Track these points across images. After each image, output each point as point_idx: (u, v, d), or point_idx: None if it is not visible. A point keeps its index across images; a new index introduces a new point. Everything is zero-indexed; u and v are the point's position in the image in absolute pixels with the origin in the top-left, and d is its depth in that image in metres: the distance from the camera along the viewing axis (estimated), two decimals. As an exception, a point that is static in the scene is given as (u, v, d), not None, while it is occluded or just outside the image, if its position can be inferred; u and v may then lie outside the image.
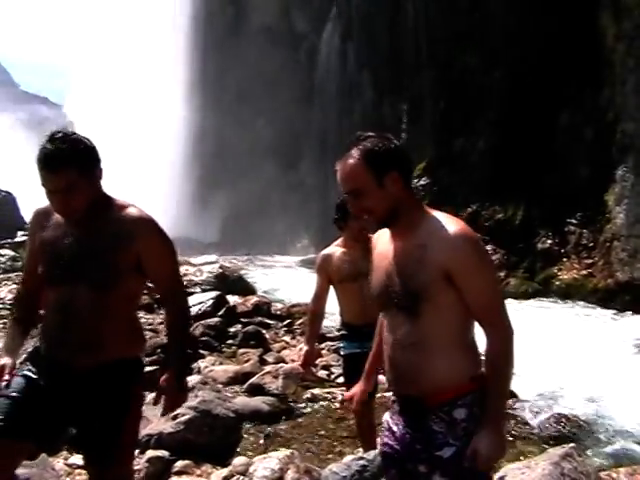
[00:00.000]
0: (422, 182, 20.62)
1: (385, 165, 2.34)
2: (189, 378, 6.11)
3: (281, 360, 8.42)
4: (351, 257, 4.54)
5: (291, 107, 32.23)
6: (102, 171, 2.83)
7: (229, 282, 13.31)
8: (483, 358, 2.41)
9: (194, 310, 10.25)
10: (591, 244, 15.50)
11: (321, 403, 6.88)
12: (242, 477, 4.67)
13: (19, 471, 2.94)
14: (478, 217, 17.96)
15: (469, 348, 2.43)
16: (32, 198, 2.88)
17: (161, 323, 9.96)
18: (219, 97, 35.75)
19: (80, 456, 3.43)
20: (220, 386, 6.81)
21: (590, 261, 15.35)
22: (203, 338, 9.10)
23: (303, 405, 6.86)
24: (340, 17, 30.96)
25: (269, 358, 8.51)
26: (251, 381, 7.20)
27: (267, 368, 7.67)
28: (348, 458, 4.88)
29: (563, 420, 6.76)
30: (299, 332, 10.28)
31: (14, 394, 2.76)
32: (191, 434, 5.10)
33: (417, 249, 2.34)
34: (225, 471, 4.77)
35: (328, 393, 7.10)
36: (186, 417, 5.17)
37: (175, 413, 5.19)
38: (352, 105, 29.33)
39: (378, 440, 3.35)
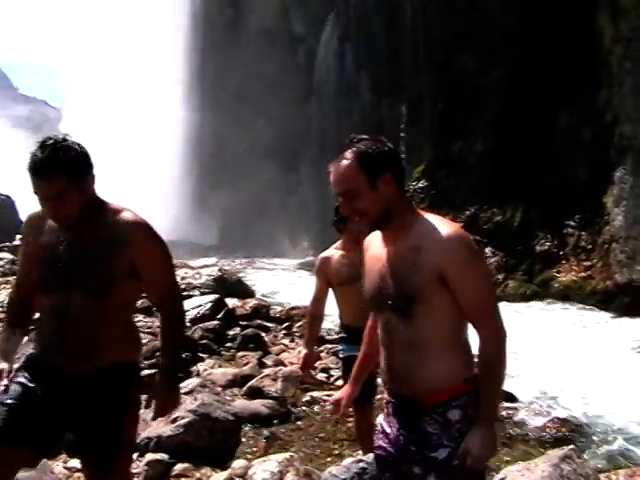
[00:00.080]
0: (420, 184, 20.63)
1: (378, 167, 2.36)
2: (188, 381, 6.14)
3: (280, 363, 8.41)
4: (350, 260, 4.54)
5: (290, 108, 32.24)
6: (94, 177, 2.81)
7: (228, 285, 13.30)
8: (476, 360, 2.42)
9: (193, 313, 10.26)
10: (590, 246, 15.50)
11: (320, 406, 6.87)
12: (241, 480, 4.67)
13: (19, 475, 2.93)
14: (477, 219, 17.97)
15: (463, 349, 2.44)
16: (31, 201, 2.86)
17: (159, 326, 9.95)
18: (218, 98, 35.79)
19: (79, 460, 3.42)
20: (219, 389, 6.82)
21: (589, 263, 15.36)
22: (202, 341, 9.09)
23: (302, 408, 6.85)
24: (338, 19, 31.00)
25: (268, 361, 8.51)
26: (250, 384, 7.19)
27: (266, 371, 7.67)
28: (347, 461, 4.88)
29: (562, 422, 6.76)
30: (298, 335, 10.28)
31: (10, 401, 2.75)
32: (190, 437, 5.10)
33: (411, 251, 2.35)
34: (224, 474, 4.77)
35: (327, 396, 7.09)
36: (185, 420, 5.17)
37: (174, 416, 5.19)
38: (350, 107, 29.36)
39: None
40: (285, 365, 8.21)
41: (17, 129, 70.61)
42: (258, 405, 6.56)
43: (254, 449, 5.66)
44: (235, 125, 34.58)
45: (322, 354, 8.69)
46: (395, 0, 25.46)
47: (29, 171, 2.67)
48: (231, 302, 11.35)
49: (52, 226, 2.81)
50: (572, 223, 16.00)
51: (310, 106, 32.27)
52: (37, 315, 2.96)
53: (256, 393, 6.99)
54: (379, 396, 5.19)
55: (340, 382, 6.84)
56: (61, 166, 2.64)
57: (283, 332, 10.66)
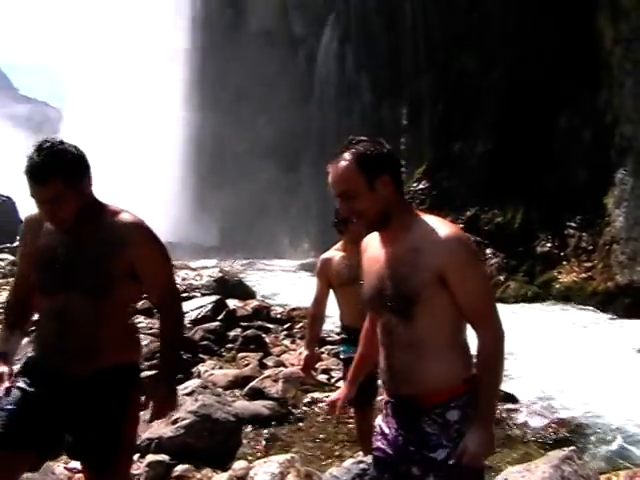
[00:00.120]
0: (421, 186, 20.64)
1: (376, 168, 2.37)
2: (189, 382, 6.12)
3: (281, 364, 8.41)
4: (351, 261, 4.53)
5: (290, 109, 32.23)
6: (91, 179, 2.81)
7: (229, 286, 13.30)
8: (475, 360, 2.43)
9: (194, 314, 10.26)
10: (590, 247, 15.50)
11: (321, 407, 6.87)
12: (242, 481, 4.67)
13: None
14: (477, 220, 17.97)
15: (462, 350, 2.46)
16: (31, 203, 2.86)
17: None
18: (218, 98, 35.78)
19: (79, 461, 3.42)
20: (220, 390, 6.80)
21: (590, 264, 15.36)
22: (203, 342, 9.08)
23: (303, 409, 6.85)
24: (338, 20, 31.01)
25: (269, 362, 8.51)
26: (251, 385, 7.19)
27: (267, 372, 7.67)
28: (348, 462, 4.89)
29: (563, 423, 6.77)
30: (299, 336, 10.28)
31: (10, 406, 2.75)
32: (191, 438, 5.10)
33: (410, 252, 2.36)
34: (225, 475, 4.77)
35: (328, 397, 7.09)
36: (186, 421, 5.17)
37: (175, 417, 5.20)
38: (351, 107, 29.35)
39: None
40: (286, 366, 8.21)
41: (17, 130, 70.61)
42: (259, 406, 6.56)
43: (255, 450, 5.67)
44: (235, 125, 34.58)
45: (323, 355, 8.69)
46: (395, 1, 25.45)
47: (26, 175, 2.67)
48: (232, 303, 11.35)
49: (50, 228, 2.81)
50: (573, 224, 16.00)
51: (310, 107, 32.26)
52: (36, 317, 2.96)
53: (257, 394, 6.99)
54: (380, 397, 5.20)
55: (341, 383, 6.85)
56: (58, 170, 2.65)
57: (284, 333, 10.66)
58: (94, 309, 2.74)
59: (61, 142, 2.73)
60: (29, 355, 2.94)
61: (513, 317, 12.34)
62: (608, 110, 15.49)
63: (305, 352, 4.82)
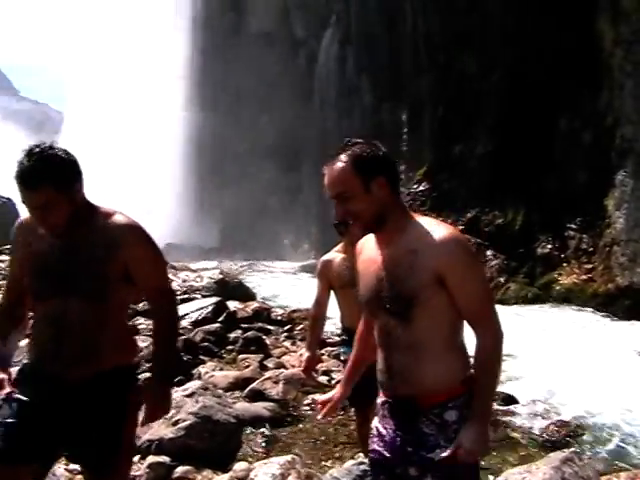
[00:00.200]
0: (422, 187, 20.64)
1: (372, 170, 2.38)
2: (189, 384, 6.13)
3: (281, 366, 8.41)
4: (351, 263, 4.52)
5: (290, 111, 32.26)
6: (83, 183, 2.79)
7: (229, 288, 13.31)
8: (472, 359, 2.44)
9: (194, 316, 10.28)
10: (591, 249, 15.49)
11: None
12: (243, 482, 4.67)
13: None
14: (478, 222, 17.97)
15: (460, 351, 2.47)
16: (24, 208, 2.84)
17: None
18: (219, 99, 35.80)
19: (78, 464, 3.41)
20: (221, 392, 6.80)
21: (590, 266, 15.35)
22: (203, 344, 9.09)
23: (304, 410, 6.85)
24: (339, 22, 31.03)
25: (269, 364, 8.51)
26: (251, 387, 7.20)
27: (267, 374, 7.67)
28: (349, 463, 4.90)
29: (563, 424, 6.77)
30: (299, 338, 10.28)
31: (10, 420, 2.73)
32: (192, 440, 5.11)
33: (407, 254, 2.36)
34: (226, 477, 4.77)
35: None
36: (187, 423, 5.17)
37: (176, 419, 5.21)
38: (351, 109, 29.36)
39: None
40: (286, 368, 8.21)
41: (18, 131, 70.69)
42: (259, 408, 6.56)
43: (255, 451, 5.67)
44: (236, 126, 34.60)
45: (323, 357, 8.69)
46: (395, 2, 25.47)
47: (16, 180, 2.65)
48: (232, 305, 11.37)
49: (42, 233, 2.79)
50: (573, 226, 15.99)
51: (311, 108, 32.27)
52: (30, 322, 2.94)
53: (257, 396, 7.00)
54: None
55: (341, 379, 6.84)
56: (48, 176, 2.62)
57: (284, 335, 10.66)
58: (91, 313, 2.73)
59: (51, 147, 2.69)
60: (25, 362, 2.91)
61: (513, 319, 12.34)
62: (608, 112, 15.48)
63: (306, 354, 4.82)
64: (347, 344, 4.76)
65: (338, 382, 7.16)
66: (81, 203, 2.78)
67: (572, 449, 4.69)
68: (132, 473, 4.65)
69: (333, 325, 6.89)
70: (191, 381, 6.77)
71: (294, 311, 12.06)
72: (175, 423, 5.17)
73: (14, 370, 2.97)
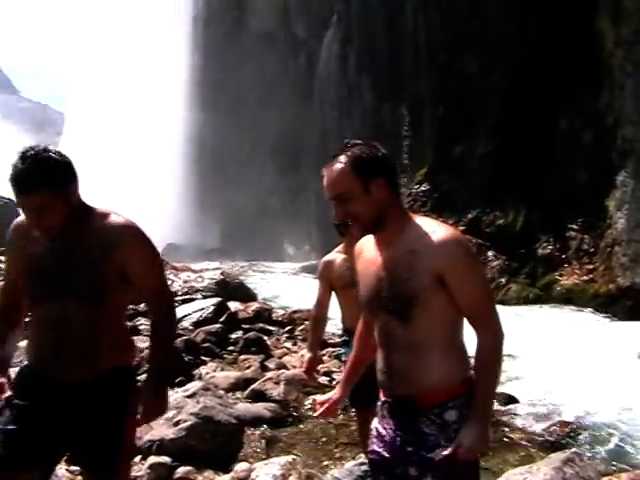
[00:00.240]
0: (423, 188, 20.63)
1: (371, 171, 2.38)
2: (190, 384, 6.14)
3: (282, 366, 8.41)
4: (352, 263, 4.53)
5: (291, 111, 32.27)
6: (78, 185, 2.77)
7: (230, 288, 13.32)
8: (473, 359, 2.45)
9: (195, 316, 10.29)
10: (592, 249, 15.48)
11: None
12: (244, 483, 4.68)
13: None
14: (479, 223, 17.97)
15: (460, 351, 2.48)
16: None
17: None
18: (219, 100, 35.80)
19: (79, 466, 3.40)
20: (222, 392, 6.81)
21: (591, 266, 15.34)
22: (204, 344, 9.10)
23: (305, 411, 6.85)
24: (340, 22, 31.04)
25: (270, 364, 8.51)
26: (252, 387, 7.20)
27: (268, 374, 7.67)
28: (350, 463, 4.91)
29: (564, 425, 6.77)
30: (300, 338, 10.28)
31: (10, 426, 2.72)
32: (193, 440, 5.11)
33: (408, 255, 2.37)
34: (227, 477, 4.78)
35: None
36: (188, 423, 5.18)
37: (177, 419, 5.21)
38: (352, 110, 29.37)
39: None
40: (287, 368, 8.22)
41: (19, 132, 70.71)
42: (260, 408, 6.57)
43: (256, 452, 5.67)
44: (236, 126, 34.61)
45: (324, 357, 8.69)
46: (396, 2, 25.48)
47: (10, 183, 2.63)
48: (233, 305, 11.37)
49: (38, 235, 2.77)
50: (574, 226, 15.98)
51: (311, 108, 32.29)
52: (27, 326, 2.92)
53: (258, 396, 7.00)
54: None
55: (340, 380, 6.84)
56: (43, 179, 2.60)
57: (285, 335, 10.67)
58: (89, 314, 2.72)
59: (45, 149, 2.66)
60: (23, 364, 2.90)
61: (514, 319, 12.33)
62: (609, 112, 15.48)
63: (308, 354, 4.82)
64: (348, 345, 4.75)
65: (339, 383, 7.16)
66: (76, 204, 2.76)
67: (573, 449, 4.70)
68: (133, 474, 4.66)
69: (334, 326, 6.88)
70: (192, 382, 6.78)
71: (295, 312, 12.06)
72: (176, 424, 5.18)
73: (13, 371, 2.97)
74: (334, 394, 2.93)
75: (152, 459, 4.88)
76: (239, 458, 5.27)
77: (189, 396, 5.58)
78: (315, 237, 30.10)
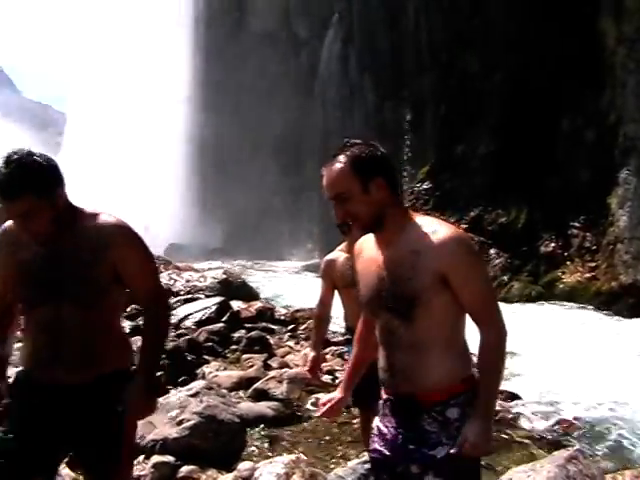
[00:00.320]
0: (425, 186, 20.64)
1: (370, 171, 2.38)
2: (193, 384, 6.15)
3: (285, 365, 8.41)
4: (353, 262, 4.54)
5: (293, 110, 32.28)
6: (64, 188, 2.71)
7: (233, 288, 13.33)
8: (476, 356, 2.45)
9: (198, 316, 10.30)
10: (594, 247, 15.48)
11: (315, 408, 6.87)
12: (247, 482, 4.68)
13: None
14: (481, 221, 17.97)
15: (462, 349, 2.48)
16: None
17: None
18: (221, 100, 35.82)
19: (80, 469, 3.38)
20: (225, 391, 6.81)
21: (593, 264, 15.34)
22: (207, 344, 9.10)
23: (308, 410, 6.85)
24: (341, 21, 31.04)
25: (273, 363, 8.51)
26: (255, 386, 7.20)
27: (271, 373, 7.67)
28: (353, 462, 4.91)
29: (568, 423, 6.77)
30: (303, 337, 10.29)
31: (9, 435, 2.70)
32: (196, 439, 5.11)
33: (410, 255, 2.37)
34: (230, 476, 4.78)
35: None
36: (191, 422, 5.18)
37: (180, 418, 5.21)
38: (354, 109, 29.38)
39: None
40: (290, 367, 8.21)
41: (22, 131, 70.70)
42: (263, 407, 6.56)
43: (260, 451, 5.67)
44: (238, 126, 34.63)
45: (327, 356, 8.68)
46: (397, 1, 25.47)
47: None
48: (236, 305, 11.37)
49: (27, 240, 2.72)
50: (576, 224, 15.98)
51: (313, 108, 32.30)
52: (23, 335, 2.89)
53: (261, 395, 7.00)
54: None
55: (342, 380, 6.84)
56: (27, 185, 2.55)
57: (288, 334, 10.67)
58: (85, 316, 2.69)
59: (29, 153, 2.60)
60: (19, 370, 2.87)
61: (517, 317, 12.33)
62: (611, 110, 15.48)
63: (311, 353, 4.81)
64: (351, 343, 4.75)
65: (341, 382, 7.16)
66: (64, 207, 2.71)
67: (576, 447, 4.69)
68: (137, 473, 4.67)
69: (337, 325, 6.89)
70: (195, 381, 6.78)
71: (297, 311, 12.06)
72: (179, 423, 5.18)
73: (11, 372, 2.96)
74: (337, 394, 2.92)
75: (155, 458, 4.88)
76: (242, 457, 5.27)
77: (192, 395, 5.58)
78: (317, 236, 30.12)
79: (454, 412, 2.39)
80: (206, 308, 10.53)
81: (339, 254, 4.70)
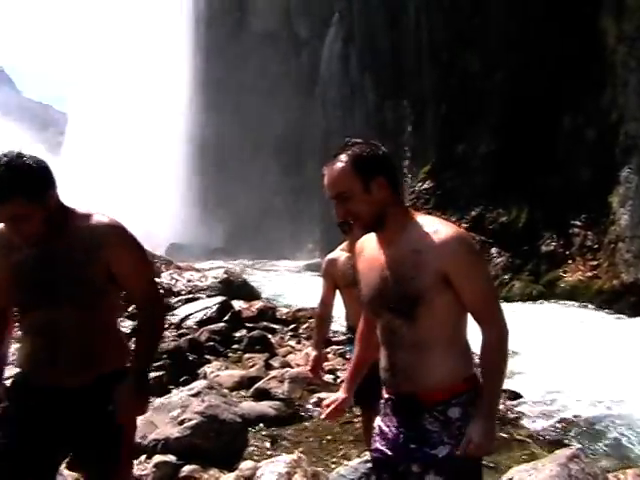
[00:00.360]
0: (426, 186, 20.63)
1: (372, 170, 2.38)
2: (195, 383, 6.15)
3: (287, 364, 8.42)
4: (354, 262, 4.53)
5: (293, 110, 32.28)
6: (56, 189, 2.67)
7: (234, 287, 13.33)
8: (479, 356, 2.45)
9: (199, 315, 10.31)
10: (596, 246, 15.47)
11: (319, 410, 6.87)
12: (249, 481, 4.68)
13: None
14: (482, 220, 17.96)
15: (463, 348, 2.48)
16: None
17: (166, 328, 10.00)
18: (222, 100, 35.84)
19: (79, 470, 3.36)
20: (226, 391, 6.83)
21: (595, 263, 15.33)
22: (208, 343, 9.11)
23: (309, 409, 6.86)
24: (342, 21, 31.03)
25: (275, 363, 8.52)
26: (257, 386, 7.21)
27: (273, 373, 7.68)
28: (355, 461, 4.91)
29: (569, 422, 6.78)
30: (305, 336, 10.29)
31: (5, 440, 2.69)
32: (198, 439, 5.12)
33: (412, 254, 2.37)
34: (232, 476, 4.78)
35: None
36: (193, 422, 5.19)
37: (182, 418, 5.22)
38: (355, 109, 29.37)
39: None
40: (292, 367, 8.22)
41: (23, 131, 70.68)
42: (265, 407, 6.57)
43: (261, 450, 5.68)
44: (239, 126, 34.64)
45: (329, 355, 8.69)
46: (398, 1, 25.46)
47: None
48: (237, 304, 11.38)
49: (20, 242, 2.69)
50: (578, 223, 15.97)
51: (314, 107, 32.30)
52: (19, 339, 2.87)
53: (263, 395, 7.01)
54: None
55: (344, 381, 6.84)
56: (17, 187, 2.50)
57: (289, 334, 10.67)
58: (81, 317, 2.67)
59: (19, 155, 2.55)
60: (17, 373, 2.85)
61: (518, 316, 12.31)
62: (612, 109, 15.46)
63: (313, 353, 4.81)
64: (353, 342, 4.75)
65: (344, 381, 7.16)
66: (56, 209, 2.67)
67: (578, 446, 4.69)
68: (139, 472, 4.68)
69: (339, 324, 6.89)
70: (197, 380, 6.79)
71: (299, 310, 12.06)
72: (181, 422, 5.18)
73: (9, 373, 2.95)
74: (339, 395, 2.91)
75: (157, 458, 4.88)
76: (244, 456, 5.27)
77: (194, 395, 5.58)
78: (318, 236, 30.12)
79: (456, 412, 2.39)
80: (207, 308, 10.54)
81: (340, 253, 4.70)
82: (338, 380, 7.83)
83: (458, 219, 17.45)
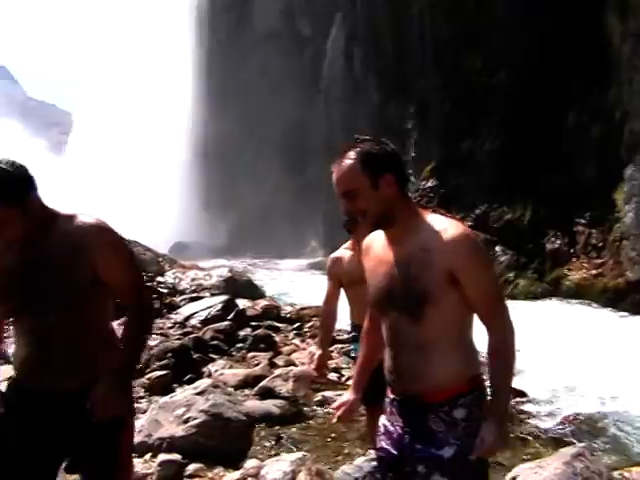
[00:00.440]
0: (430, 184, 20.63)
1: (380, 168, 2.37)
2: (199, 382, 6.15)
3: (291, 363, 8.42)
4: (360, 260, 4.53)
5: (297, 109, 32.27)
6: (37, 192, 2.63)
7: (238, 286, 13.33)
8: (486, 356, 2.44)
9: (203, 314, 10.32)
10: (600, 244, 15.45)
11: (329, 411, 6.87)
12: (254, 480, 4.69)
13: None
14: (486, 218, 17.95)
15: (469, 348, 2.47)
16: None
17: (170, 327, 10.01)
18: (224, 99, 35.86)
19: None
20: (231, 389, 6.83)
21: (600, 261, 15.31)
22: (213, 342, 9.12)
23: (314, 408, 6.86)
24: (345, 19, 31.00)
25: (279, 361, 8.52)
26: (261, 384, 7.21)
27: (277, 371, 7.67)
28: (360, 459, 4.91)
29: (574, 419, 6.77)
30: (309, 335, 10.29)
31: (5, 447, 2.67)
32: (202, 437, 5.12)
33: (420, 252, 2.35)
34: (237, 474, 4.78)
35: (338, 395, 7.09)
36: (198, 420, 5.19)
37: (186, 417, 5.22)
38: (358, 107, 29.33)
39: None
40: (296, 365, 8.22)
41: (26, 133, 70.84)
42: (270, 405, 6.57)
43: (266, 449, 5.68)
44: (242, 126, 34.66)
45: (333, 354, 8.69)
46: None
47: None
48: (241, 303, 11.38)
49: (4, 247, 2.66)
50: (582, 221, 15.95)
51: (317, 106, 32.27)
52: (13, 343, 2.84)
53: (267, 393, 7.00)
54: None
55: (351, 382, 6.84)
56: None
57: (294, 332, 10.67)
58: (70, 320, 2.64)
59: None
60: (12, 377, 2.83)
61: (523, 314, 12.30)
62: (617, 106, 15.44)
63: (318, 351, 4.81)
64: (357, 341, 4.75)
65: (348, 379, 7.15)
66: (38, 212, 2.63)
67: (583, 444, 4.68)
68: (144, 471, 4.69)
69: (344, 322, 6.89)
70: (201, 379, 6.79)
71: (303, 309, 12.06)
72: (186, 421, 5.19)
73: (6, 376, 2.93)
74: (349, 396, 2.88)
75: (162, 456, 4.89)
76: (249, 455, 5.27)
77: (198, 393, 5.59)
78: (322, 234, 30.12)
79: (461, 412, 2.37)
80: (212, 306, 10.55)
81: (345, 252, 4.70)
82: (343, 379, 7.84)
83: (462, 217, 17.42)
